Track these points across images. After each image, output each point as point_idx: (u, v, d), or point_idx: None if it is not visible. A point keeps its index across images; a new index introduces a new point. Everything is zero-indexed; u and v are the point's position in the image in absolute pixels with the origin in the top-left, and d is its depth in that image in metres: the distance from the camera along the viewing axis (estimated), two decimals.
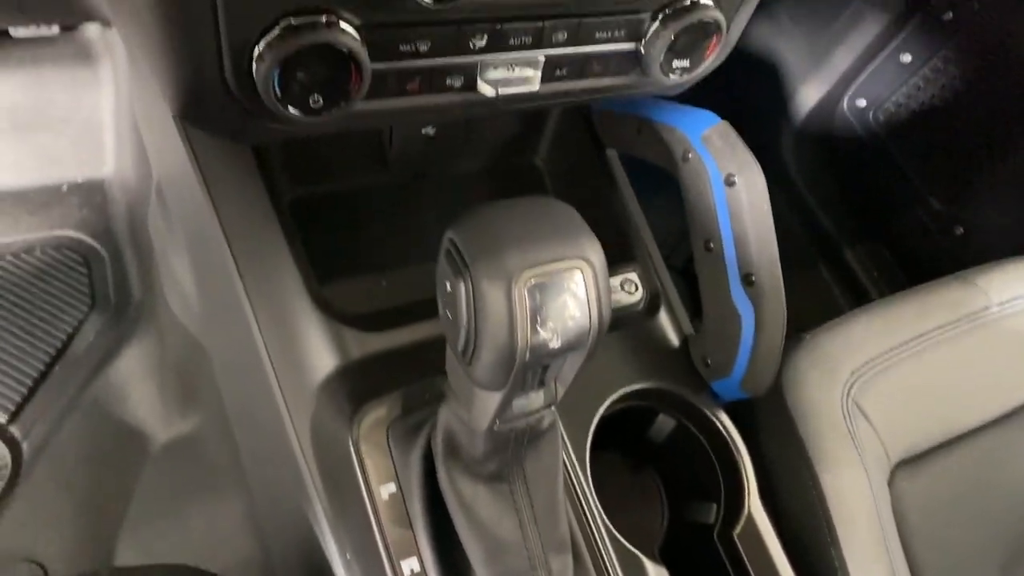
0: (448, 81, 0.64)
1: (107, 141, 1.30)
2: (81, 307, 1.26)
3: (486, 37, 0.62)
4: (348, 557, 0.72)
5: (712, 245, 0.83)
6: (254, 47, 0.54)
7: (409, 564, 0.69)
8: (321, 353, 0.77)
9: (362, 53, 0.56)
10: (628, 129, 0.93)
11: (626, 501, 0.96)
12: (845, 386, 0.92)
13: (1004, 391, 1.01)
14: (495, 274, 0.48)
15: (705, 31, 0.68)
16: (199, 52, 0.55)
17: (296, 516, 0.78)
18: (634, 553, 0.80)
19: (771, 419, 0.92)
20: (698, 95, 0.84)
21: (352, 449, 0.72)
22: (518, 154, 1.06)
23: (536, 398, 0.57)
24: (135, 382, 1.22)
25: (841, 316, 1.00)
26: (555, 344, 0.49)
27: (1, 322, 1.21)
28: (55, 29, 1.19)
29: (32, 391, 1.18)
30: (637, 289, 0.95)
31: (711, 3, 0.67)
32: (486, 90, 0.65)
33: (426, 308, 0.77)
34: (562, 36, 0.65)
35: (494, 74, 0.65)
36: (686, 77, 0.72)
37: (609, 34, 0.67)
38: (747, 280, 0.81)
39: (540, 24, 0.63)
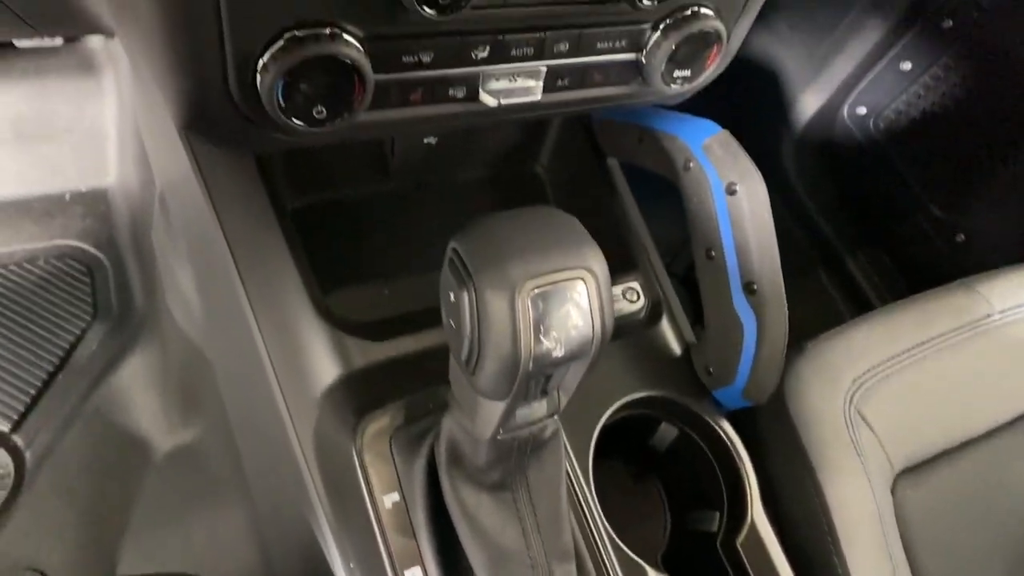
0: (450, 92, 0.64)
1: (110, 151, 1.31)
2: (84, 316, 1.26)
3: (488, 48, 0.62)
4: (351, 566, 0.72)
5: (714, 254, 0.83)
6: (258, 58, 0.54)
7: (412, 573, 0.69)
8: (324, 362, 0.77)
9: (365, 65, 0.56)
10: (629, 138, 0.93)
11: (629, 510, 0.96)
12: (847, 394, 0.92)
13: (1006, 399, 1.01)
14: (498, 284, 0.48)
15: (706, 41, 0.68)
16: (203, 63, 0.55)
17: (299, 525, 0.78)
18: (637, 562, 0.80)
19: (773, 427, 0.92)
20: (699, 104, 0.84)
21: (355, 458, 0.72)
22: (519, 163, 1.07)
23: (539, 407, 0.57)
24: (138, 391, 1.22)
25: (843, 324, 1.00)
26: (558, 353, 0.50)
27: (4, 331, 1.21)
28: (59, 40, 1.19)
29: (35, 400, 1.18)
30: (639, 298, 0.95)
31: (712, 13, 0.67)
32: (488, 100, 0.65)
33: (429, 317, 0.77)
34: (563, 47, 0.65)
35: (496, 84, 0.65)
36: (687, 87, 0.72)
37: (610, 44, 0.67)
38: (749, 288, 0.81)
39: (542, 35, 0.63)
